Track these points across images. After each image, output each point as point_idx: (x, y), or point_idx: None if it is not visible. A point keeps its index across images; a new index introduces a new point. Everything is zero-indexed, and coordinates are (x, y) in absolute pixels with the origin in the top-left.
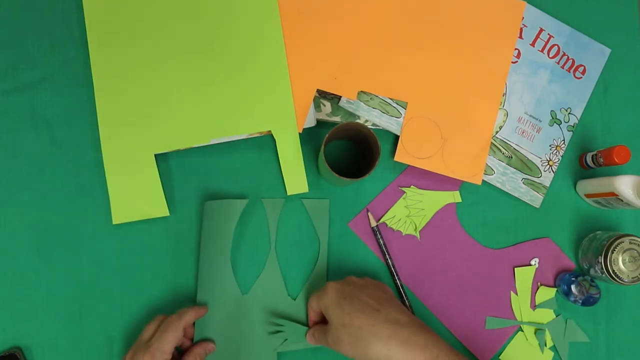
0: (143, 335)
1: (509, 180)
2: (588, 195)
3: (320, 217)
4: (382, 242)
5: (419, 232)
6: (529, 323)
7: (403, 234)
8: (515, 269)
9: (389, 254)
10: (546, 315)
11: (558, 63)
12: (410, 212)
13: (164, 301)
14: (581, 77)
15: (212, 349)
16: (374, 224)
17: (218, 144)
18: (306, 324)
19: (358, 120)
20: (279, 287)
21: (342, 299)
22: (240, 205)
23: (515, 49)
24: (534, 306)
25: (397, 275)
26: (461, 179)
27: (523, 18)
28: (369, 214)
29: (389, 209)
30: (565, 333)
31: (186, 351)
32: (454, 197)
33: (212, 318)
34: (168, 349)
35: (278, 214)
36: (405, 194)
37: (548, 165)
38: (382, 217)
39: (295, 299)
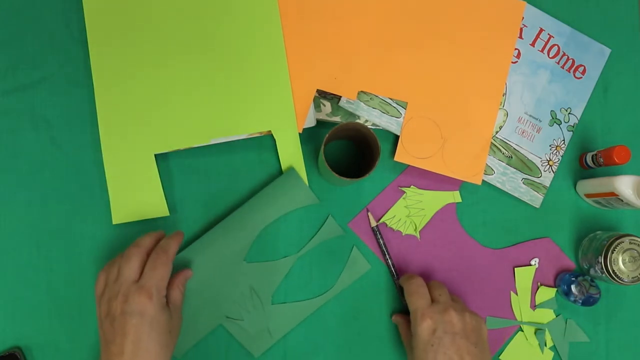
0: (123, 275)
1: (509, 180)
2: (588, 195)
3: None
4: (382, 242)
5: (419, 232)
6: (529, 323)
7: (403, 234)
8: (515, 269)
9: (389, 254)
10: (546, 315)
11: (558, 63)
12: (410, 212)
13: None
14: (581, 77)
15: (190, 275)
16: (374, 224)
17: (218, 144)
18: (267, 331)
19: (358, 120)
20: (275, 283)
21: (430, 345)
22: (309, 200)
23: (515, 49)
24: (534, 306)
25: (396, 275)
26: (461, 179)
27: (523, 18)
28: (369, 214)
29: (389, 209)
30: (565, 333)
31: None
32: (454, 197)
33: (200, 258)
34: (164, 285)
35: (327, 236)
36: (405, 194)
37: (548, 165)
38: (382, 217)
39: (273, 304)
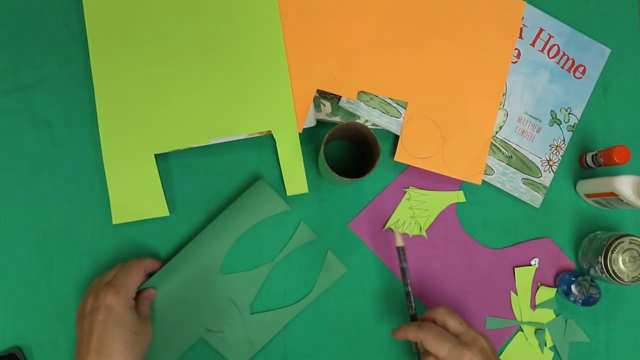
0: (102, 278)
1: (509, 180)
2: (588, 195)
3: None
4: (404, 265)
5: (425, 232)
6: (529, 323)
7: (410, 236)
8: (515, 269)
9: (409, 279)
10: (546, 315)
11: (558, 63)
12: (415, 213)
13: None
14: (581, 77)
15: (154, 295)
16: (400, 243)
17: (218, 144)
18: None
19: (358, 120)
20: (252, 292)
21: None
22: (280, 208)
23: (515, 49)
24: (534, 306)
25: (412, 301)
26: (461, 179)
27: (523, 18)
28: (397, 232)
29: (392, 212)
30: (565, 333)
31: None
32: (458, 197)
33: (173, 276)
34: (132, 286)
35: (302, 241)
36: (409, 195)
37: (548, 165)
38: (386, 222)
39: (252, 314)
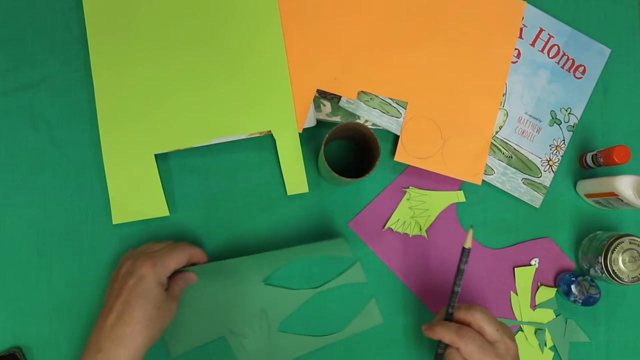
0: (148, 246)
1: (509, 180)
2: (588, 195)
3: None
4: (463, 267)
5: (425, 231)
6: (529, 323)
7: (410, 236)
8: (515, 269)
9: (460, 281)
10: (546, 315)
11: (558, 63)
12: (415, 213)
13: None
14: (581, 77)
15: (192, 280)
16: (469, 245)
17: (218, 144)
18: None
19: (358, 120)
20: (286, 310)
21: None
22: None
23: (515, 49)
24: (534, 306)
25: (452, 303)
26: (461, 179)
27: (523, 18)
28: (469, 233)
29: (392, 213)
30: (565, 333)
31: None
32: (458, 196)
33: (215, 273)
34: (171, 265)
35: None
36: (409, 195)
37: (548, 165)
38: (386, 222)
39: (279, 331)
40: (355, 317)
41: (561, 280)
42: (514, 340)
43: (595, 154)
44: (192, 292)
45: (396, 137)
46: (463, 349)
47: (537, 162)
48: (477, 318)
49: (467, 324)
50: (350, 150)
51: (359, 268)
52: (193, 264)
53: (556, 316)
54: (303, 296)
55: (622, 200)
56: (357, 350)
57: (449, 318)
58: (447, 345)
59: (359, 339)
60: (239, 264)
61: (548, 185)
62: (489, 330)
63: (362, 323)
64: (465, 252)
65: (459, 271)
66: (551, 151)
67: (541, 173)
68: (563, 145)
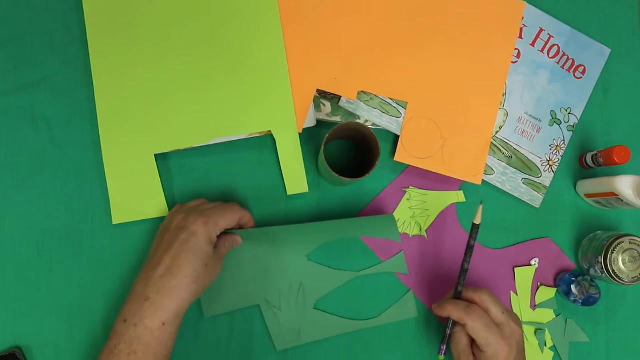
0: (200, 203)
1: (509, 180)
2: (588, 195)
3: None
4: (472, 243)
5: (425, 231)
6: (529, 323)
7: (410, 236)
8: (515, 269)
9: (469, 258)
10: (546, 315)
11: (558, 63)
12: (415, 213)
13: None
14: (581, 77)
15: (238, 243)
16: (478, 221)
17: (218, 144)
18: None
19: (358, 120)
20: (325, 289)
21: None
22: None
23: (515, 49)
24: (534, 306)
25: (460, 282)
26: (461, 179)
27: (523, 18)
28: (481, 206)
29: (392, 212)
30: (565, 333)
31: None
32: (458, 196)
33: (262, 238)
34: (222, 225)
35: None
36: (409, 195)
37: (548, 165)
38: None
39: (314, 308)
40: (391, 307)
41: (561, 280)
42: (519, 325)
43: (595, 154)
44: (235, 255)
45: (396, 137)
46: (470, 326)
47: (537, 162)
48: (484, 299)
49: (475, 304)
50: (350, 150)
51: (401, 258)
52: (241, 227)
53: (556, 316)
54: (343, 277)
55: (622, 200)
56: (357, 346)
57: (458, 297)
58: (454, 327)
59: (360, 336)
60: (284, 232)
61: (548, 185)
62: (495, 311)
63: (397, 313)
64: (475, 228)
65: (469, 248)
66: (551, 151)
67: (541, 173)
68: (563, 145)
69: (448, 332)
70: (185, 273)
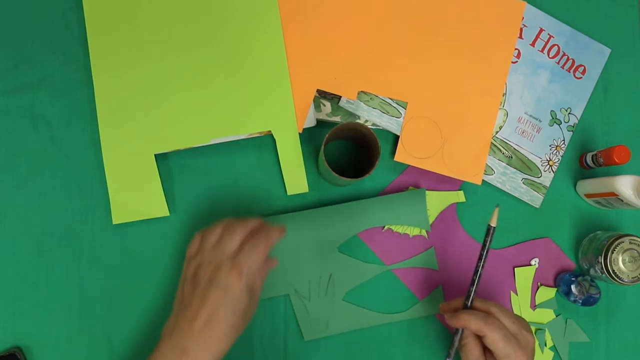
0: (223, 246)
1: (509, 180)
2: (588, 195)
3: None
4: (487, 245)
5: (425, 231)
6: (529, 323)
7: (410, 236)
8: (515, 269)
9: (484, 261)
10: (546, 315)
11: (558, 63)
12: None
13: (164, 301)
14: (581, 77)
15: (274, 265)
16: (494, 223)
17: (218, 144)
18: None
19: (358, 120)
20: (355, 281)
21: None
22: (422, 224)
23: (515, 49)
24: (534, 306)
25: (475, 286)
26: (461, 179)
27: (523, 18)
28: (497, 209)
29: None
30: (565, 333)
31: None
32: (458, 196)
33: (294, 227)
34: (255, 270)
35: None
36: None
37: (548, 165)
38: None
39: (343, 300)
40: (420, 302)
41: (561, 280)
42: (531, 333)
43: (595, 154)
44: None
45: (396, 137)
46: (489, 337)
47: (537, 162)
48: (494, 310)
49: (490, 315)
50: (350, 150)
51: (432, 254)
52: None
53: (556, 316)
54: (374, 270)
55: (622, 200)
56: (359, 347)
57: (469, 306)
58: (465, 336)
59: (362, 337)
60: (308, 216)
61: (548, 185)
62: (508, 322)
63: (425, 308)
64: (490, 230)
65: (484, 248)
66: (551, 151)
67: (541, 173)
68: (563, 145)
69: (457, 341)
70: (224, 329)
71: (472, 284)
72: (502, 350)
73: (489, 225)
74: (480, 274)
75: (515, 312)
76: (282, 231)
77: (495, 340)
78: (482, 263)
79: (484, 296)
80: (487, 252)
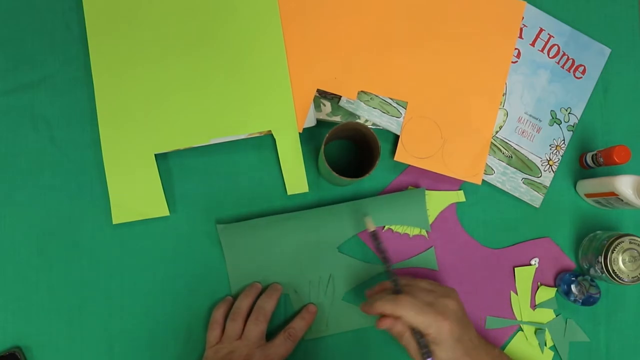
0: (249, 338)
1: (509, 180)
2: (588, 195)
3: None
4: (382, 246)
5: (426, 231)
6: (529, 323)
7: (410, 236)
8: (515, 268)
9: (389, 260)
10: (546, 315)
11: (558, 63)
12: None
13: (164, 301)
14: (581, 77)
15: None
16: (372, 228)
17: (218, 144)
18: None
19: (358, 120)
20: (354, 281)
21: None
22: (421, 224)
23: (515, 48)
24: (534, 306)
25: (397, 283)
26: (461, 179)
27: (523, 18)
28: (367, 218)
29: None
30: (565, 333)
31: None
32: (458, 196)
33: (294, 226)
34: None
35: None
36: None
37: (548, 165)
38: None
39: (342, 300)
40: None
41: (561, 280)
42: (452, 297)
43: (595, 154)
44: (266, 244)
45: (396, 137)
46: (404, 315)
47: (537, 162)
48: (408, 286)
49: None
50: (350, 150)
51: (432, 254)
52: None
53: (556, 316)
54: (373, 270)
55: (622, 200)
56: (359, 347)
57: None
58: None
59: (362, 337)
60: (307, 216)
61: (548, 185)
62: (421, 295)
63: None
64: (374, 235)
65: (382, 253)
66: (551, 151)
67: (541, 173)
68: (563, 145)
69: (421, 341)
70: None
71: (389, 278)
72: (421, 323)
73: (369, 231)
74: (391, 270)
75: (515, 312)
76: (278, 291)
77: (410, 316)
78: (388, 265)
79: (483, 296)
80: (385, 255)
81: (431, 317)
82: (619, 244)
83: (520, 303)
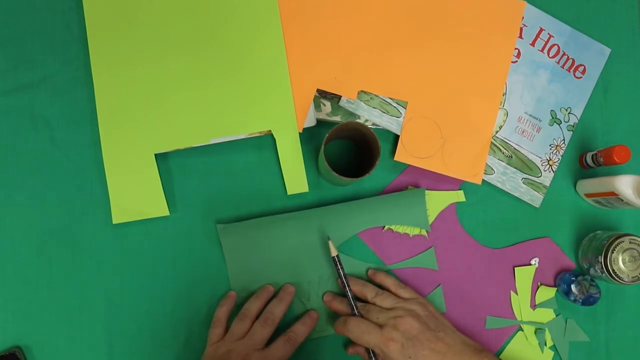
0: (254, 339)
1: (509, 180)
2: (588, 195)
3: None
4: (342, 273)
5: (426, 231)
6: (529, 323)
7: (410, 236)
8: (515, 268)
9: (348, 286)
10: (546, 315)
11: (558, 63)
12: None
13: (164, 301)
14: (581, 77)
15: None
16: (334, 253)
17: (218, 143)
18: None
19: (358, 120)
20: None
21: (408, 358)
22: (421, 224)
23: (515, 48)
24: (534, 306)
25: (356, 308)
26: (461, 179)
27: (523, 18)
28: (330, 242)
29: None
30: (565, 333)
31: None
32: (458, 196)
33: (294, 225)
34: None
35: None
36: None
37: (548, 165)
38: None
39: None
40: None
41: (561, 280)
42: (413, 316)
43: (595, 154)
44: (266, 244)
45: (396, 137)
46: (353, 337)
47: (537, 161)
48: (366, 306)
49: (365, 300)
50: (350, 150)
51: (432, 254)
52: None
53: (556, 316)
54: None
55: (622, 200)
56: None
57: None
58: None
59: None
60: (306, 216)
61: (548, 185)
62: (374, 316)
63: None
64: (335, 261)
65: (341, 278)
66: (551, 151)
67: (541, 173)
68: (563, 145)
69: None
70: None
71: (349, 302)
72: (366, 344)
73: (332, 256)
74: (352, 295)
75: (515, 312)
76: (291, 295)
77: (355, 337)
78: (348, 290)
79: (483, 296)
80: (346, 280)
81: (376, 337)
82: (619, 243)
83: (520, 303)
